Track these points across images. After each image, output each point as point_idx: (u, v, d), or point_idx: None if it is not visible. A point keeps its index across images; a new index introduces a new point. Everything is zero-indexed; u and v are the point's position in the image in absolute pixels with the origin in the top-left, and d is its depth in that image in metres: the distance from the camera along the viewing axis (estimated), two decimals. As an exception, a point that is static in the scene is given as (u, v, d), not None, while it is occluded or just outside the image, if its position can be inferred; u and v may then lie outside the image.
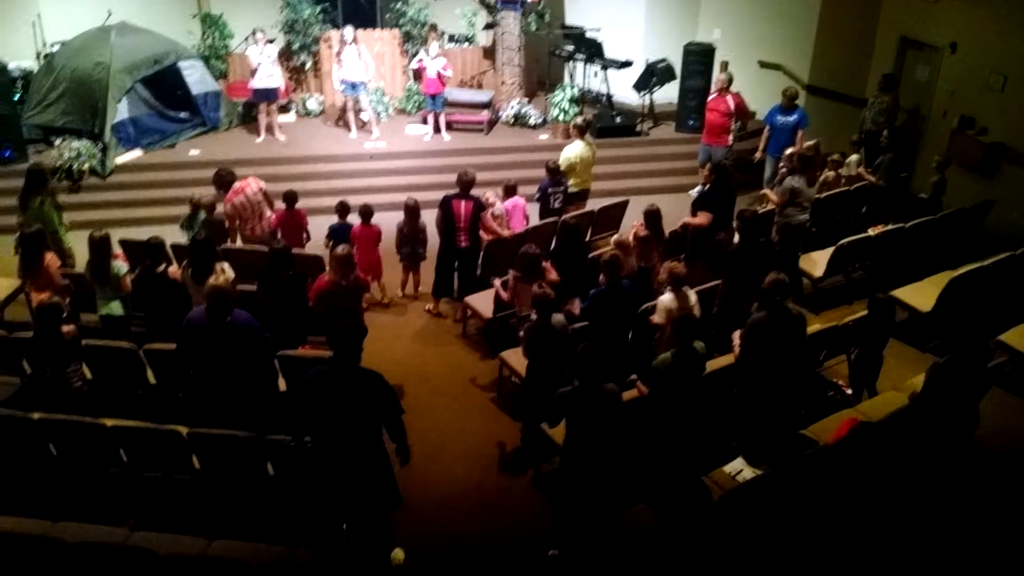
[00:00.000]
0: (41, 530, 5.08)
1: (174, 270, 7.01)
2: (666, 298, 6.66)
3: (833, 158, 9.95)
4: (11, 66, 11.07)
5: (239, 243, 8.44)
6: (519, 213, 8.84)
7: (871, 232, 8.65)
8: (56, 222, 8.08)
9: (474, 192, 8.29)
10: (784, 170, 9.37)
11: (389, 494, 5.23)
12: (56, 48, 11.85)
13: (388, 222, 8.58)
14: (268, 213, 8.43)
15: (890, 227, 8.74)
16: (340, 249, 6.70)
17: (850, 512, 5.54)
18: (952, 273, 7.81)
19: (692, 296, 6.72)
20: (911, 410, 5.74)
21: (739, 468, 6.03)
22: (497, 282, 7.42)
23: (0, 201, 9.90)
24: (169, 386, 6.78)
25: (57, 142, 10.80)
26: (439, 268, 8.47)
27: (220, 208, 8.41)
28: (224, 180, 8.29)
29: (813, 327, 6.80)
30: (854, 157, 10.07)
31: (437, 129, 12.09)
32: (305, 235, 8.64)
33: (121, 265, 7.20)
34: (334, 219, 8.51)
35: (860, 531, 5.46)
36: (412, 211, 8.31)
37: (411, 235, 8.43)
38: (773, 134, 10.43)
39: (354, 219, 8.35)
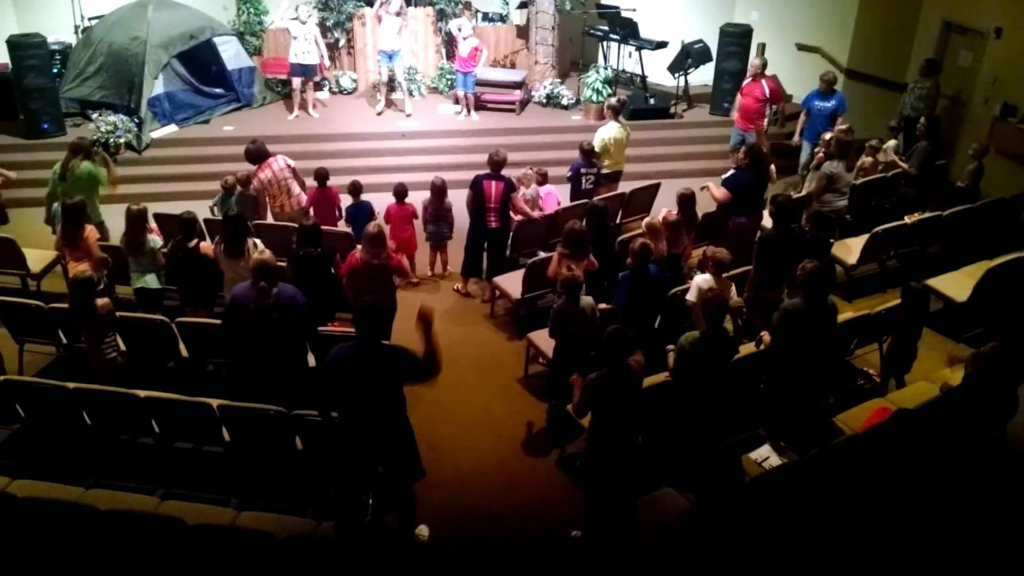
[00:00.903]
0: (74, 497, 5.20)
1: (205, 245, 7.08)
2: (702, 278, 6.60)
3: (871, 144, 9.78)
4: (50, 40, 11.18)
5: (269, 219, 8.49)
6: (552, 200, 8.83)
7: (907, 220, 8.51)
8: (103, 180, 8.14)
9: (506, 173, 8.27)
10: (820, 154, 9.23)
11: (412, 466, 5.28)
12: (94, 22, 11.95)
13: (419, 201, 8.59)
14: (297, 191, 8.45)
15: (927, 215, 8.59)
16: (371, 227, 6.73)
17: (880, 502, 5.49)
18: (989, 263, 7.67)
19: (732, 288, 6.66)
20: (953, 398, 5.66)
21: (766, 455, 6.00)
22: (555, 255, 7.28)
23: (37, 173, 10.04)
24: (201, 359, 6.88)
25: (94, 116, 10.93)
26: (468, 248, 8.47)
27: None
28: (250, 153, 8.28)
29: (845, 315, 6.72)
30: (891, 143, 9.89)
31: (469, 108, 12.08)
32: (337, 212, 8.68)
33: (156, 239, 7.30)
34: (368, 197, 8.55)
35: (889, 521, 5.41)
36: (438, 190, 8.31)
37: (436, 214, 8.44)
38: (810, 119, 10.27)
39: (366, 197, 8.45)
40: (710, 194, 8.14)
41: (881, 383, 6.79)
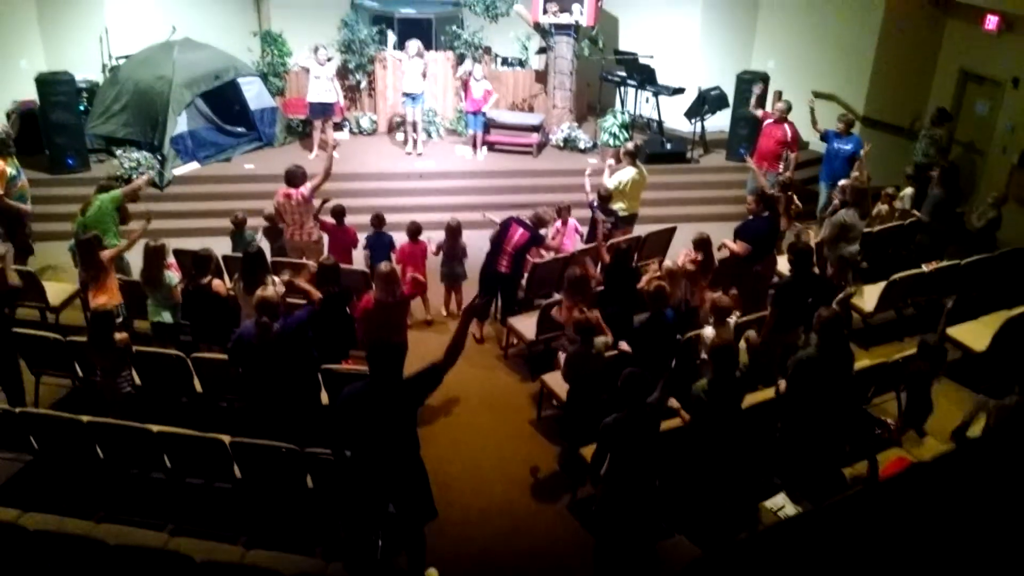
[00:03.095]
0: (83, 530, 5.17)
1: (219, 283, 7.11)
2: (708, 332, 6.60)
3: (887, 191, 9.77)
4: (78, 78, 11.42)
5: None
6: (571, 233, 8.88)
7: (924, 268, 8.47)
8: (114, 221, 8.20)
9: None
10: (836, 202, 9.23)
11: (424, 506, 5.24)
12: (122, 62, 12.21)
13: (433, 240, 8.62)
14: (309, 225, 8.55)
15: (944, 263, 8.55)
16: (383, 266, 6.78)
17: (896, 554, 5.38)
18: (1008, 313, 7.60)
19: (731, 332, 6.65)
20: (969, 451, 5.58)
21: (781, 504, 5.91)
22: (562, 303, 7.31)
23: (61, 208, 10.19)
24: (215, 395, 6.89)
25: (118, 152, 11.11)
26: (480, 290, 8.40)
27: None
28: (289, 174, 8.40)
29: (862, 363, 6.67)
30: (908, 191, 9.88)
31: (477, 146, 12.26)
32: (352, 249, 8.74)
33: (173, 275, 7.37)
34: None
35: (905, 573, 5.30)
36: (453, 231, 8.37)
37: (451, 255, 8.48)
38: (827, 159, 10.30)
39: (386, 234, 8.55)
40: (729, 250, 8.13)
41: (897, 433, 6.68)
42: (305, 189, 8.38)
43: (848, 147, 10.06)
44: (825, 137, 10.33)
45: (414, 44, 11.81)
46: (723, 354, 5.54)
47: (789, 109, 10.40)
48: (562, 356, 6.83)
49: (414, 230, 8.40)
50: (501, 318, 8.44)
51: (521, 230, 8.14)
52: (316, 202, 8.52)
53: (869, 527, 5.39)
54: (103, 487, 6.18)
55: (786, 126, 10.34)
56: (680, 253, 7.83)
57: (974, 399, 6.22)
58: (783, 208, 8.72)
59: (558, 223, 8.74)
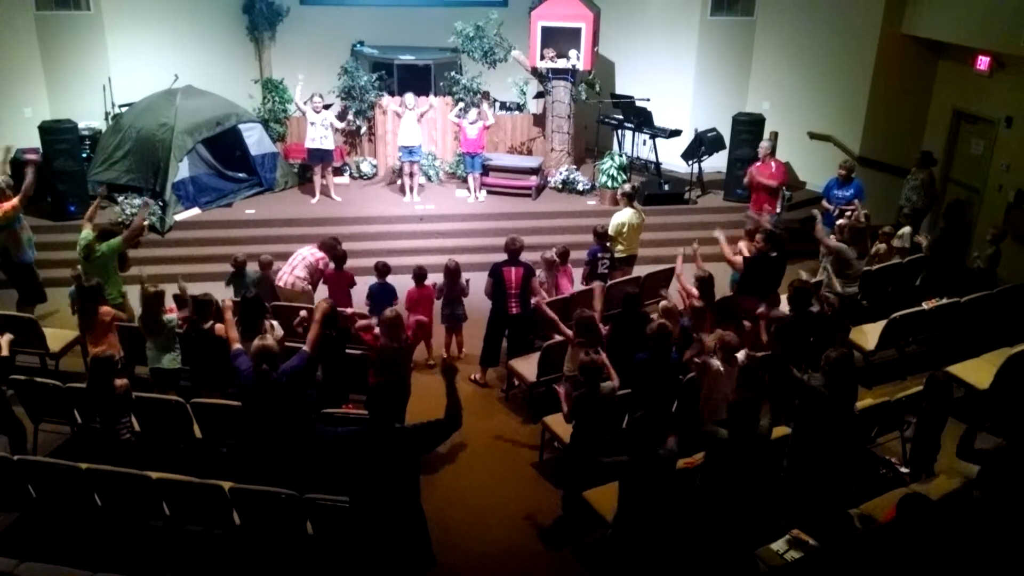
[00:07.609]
0: (81, 581, 5.11)
1: (220, 327, 7.10)
2: (714, 364, 6.57)
3: (884, 230, 9.82)
4: (81, 126, 11.54)
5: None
6: (566, 276, 8.88)
7: (925, 306, 8.48)
8: (115, 270, 8.21)
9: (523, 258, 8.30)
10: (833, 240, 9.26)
11: (422, 554, 5.16)
12: (124, 109, 12.34)
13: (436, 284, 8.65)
14: (304, 277, 8.60)
15: (944, 301, 8.56)
16: (389, 313, 6.76)
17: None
18: (1010, 350, 7.59)
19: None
20: (971, 488, 5.53)
21: (786, 547, 5.82)
22: (570, 347, 7.25)
23: (62, 254, 10.23)
24: (214, 440, 6.84)
25: (120, 199, 11.17)
26: (488, 337, 8.38)
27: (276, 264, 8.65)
28: (326, 244, 8.62)
29: (865, 402, 6.64)
30: (906, 230, 9.92)
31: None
32: (351, 294, 8.73)
33: (172, 317, 7.36)
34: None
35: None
36: (452, 273, 8.35)
37: (450, 297, 8.47)
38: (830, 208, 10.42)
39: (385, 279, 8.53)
40: (731, 263, 8.11)
41: (909, 475, 6.63)
42: (313, 255, 8.60)
43: (849, 193, 10.15)
44: (827, 191, 10.44)
45: (411, 97, 12.01)
46: (745, 409, 5.47)
47: (773, 148, 10.54)
48: (559, 390, 6.78)
49: (420, 274, 8.41)
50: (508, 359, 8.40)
51: (513, 268, 8.13)
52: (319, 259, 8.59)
53: (876, 568, 5.32)
54: (101, 536, 6.10)
55: (772, 163, 10.43)
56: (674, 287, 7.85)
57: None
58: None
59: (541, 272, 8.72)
